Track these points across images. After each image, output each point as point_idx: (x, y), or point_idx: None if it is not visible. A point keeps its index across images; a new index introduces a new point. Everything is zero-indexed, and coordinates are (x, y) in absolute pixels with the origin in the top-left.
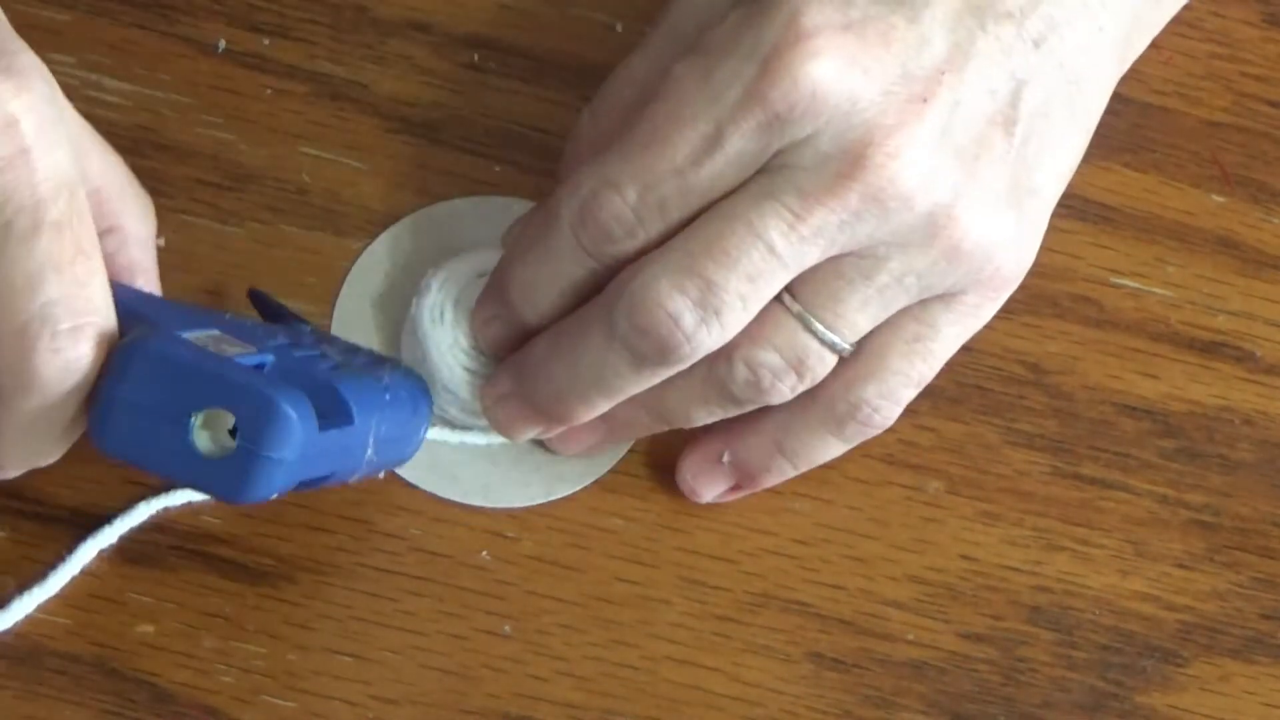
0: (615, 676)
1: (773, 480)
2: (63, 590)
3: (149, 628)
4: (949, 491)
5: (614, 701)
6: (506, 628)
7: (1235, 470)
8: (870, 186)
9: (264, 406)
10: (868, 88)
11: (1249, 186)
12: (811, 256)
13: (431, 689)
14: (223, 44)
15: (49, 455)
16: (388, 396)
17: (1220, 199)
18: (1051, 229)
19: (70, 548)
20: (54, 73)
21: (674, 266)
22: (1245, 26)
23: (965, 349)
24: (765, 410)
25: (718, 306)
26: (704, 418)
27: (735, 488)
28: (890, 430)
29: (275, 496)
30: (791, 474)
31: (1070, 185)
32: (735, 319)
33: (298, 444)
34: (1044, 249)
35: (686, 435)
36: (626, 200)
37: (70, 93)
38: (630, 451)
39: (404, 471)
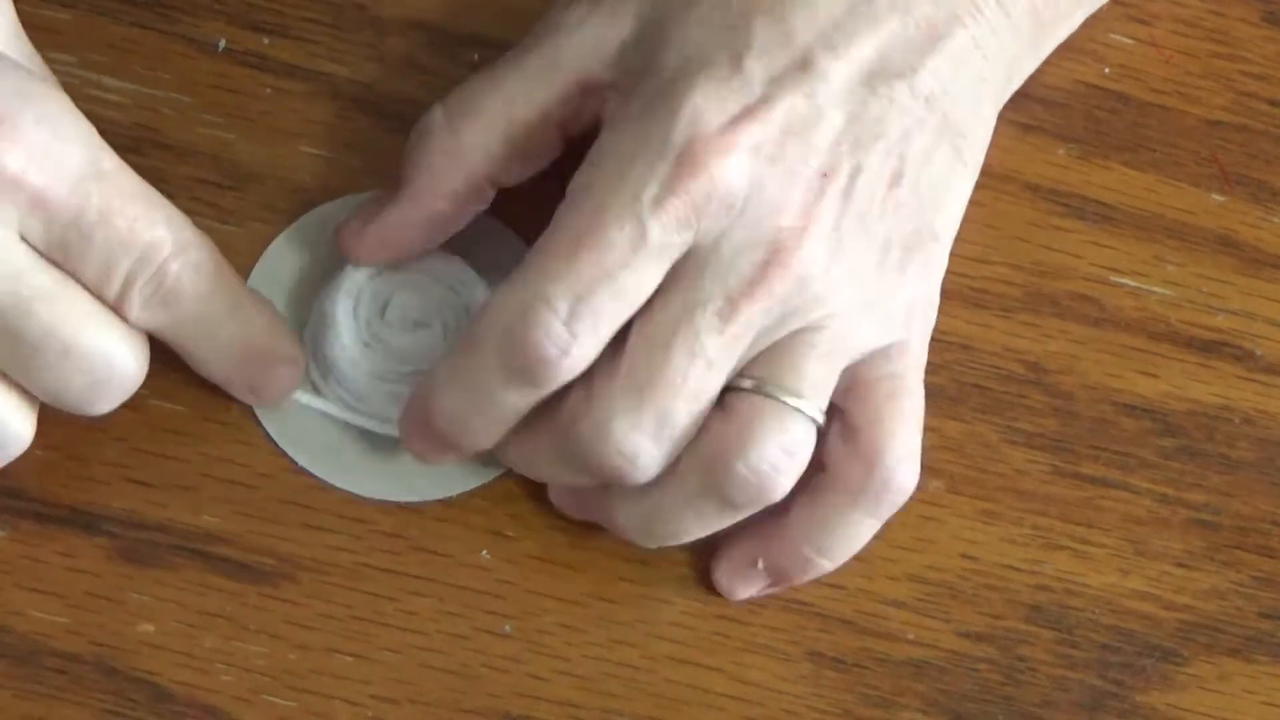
0: (615, 676)
1: (809, 579)
2: (63, 589)
3: (149, 627)
4: (949, 491)
5: (614, 701)
6: (506, 627)
7: (1235, 470)
8: (790, 269)
9: None
10: (773, 173)
11: (1249, 186)
12: (742, 348)
13: (431, 689)
14: (223, 43)
15: None
16: None
17: (1220, 198)
18: (1051, 228)
19: (70, 547)
20: (55, 72)
21: (626, 406)
22: (1245, 26)
23: (965, 348)
24: (793, 514)
25: (671, 430)
26: (699, 531)
27: (771, 584)
28: None
29: None
30: (829, 570)
31: (1070, 184)
32: (686, 433)
33: None
34: (1043, 248)
35: (718, 535)
36: (558, 315)
37: (70, 92)
38: None
39: (312, 466)
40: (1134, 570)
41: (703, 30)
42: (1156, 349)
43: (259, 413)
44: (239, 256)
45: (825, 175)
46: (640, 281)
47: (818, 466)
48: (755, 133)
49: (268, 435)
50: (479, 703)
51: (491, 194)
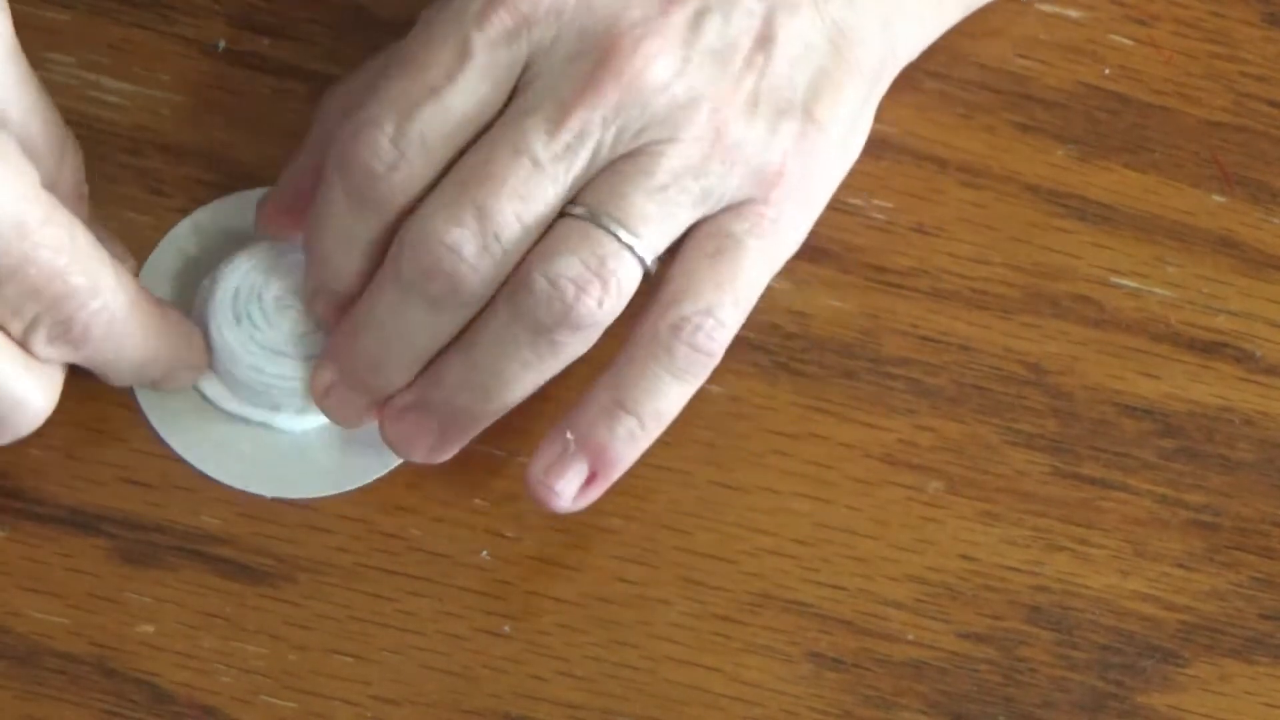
0: (615, 676)
1: (625, 450)
2: (63, 589)
3: (149, 628)
4: (949, 491)
5: (614, 701)
6: (506, 628)
7: (1235, 470)
8: (623, 76)
9: None
10: None
11: (1249, 186)
12: (580, 160)
13: (431, 689)
14: (223, 44)
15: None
16: None
17: (1220, 199)
18: (1051, 229)
19: (70, 548)
20: (54, 73)
21: (446, 200)
22: (1245, 26)
23: (965, 349)
24: (597, 376)
25: (496, 229)
26: (519, 373)
27: (591, 478)
28: (890, 430)
29: None
30: (642, 437)
31: (1070, 185)
32: (515, 239)
33: None
34: (1044, 249)
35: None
36: (384, 133)
37: (70, 93)
38: None
39: (201, 464)
40: (1134, 571)
41: None
42: (1157, 350)
43: (141, 400)
44: None
45: (669, 3)
46: (470, 98)
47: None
48: None
49: (147, 422)
50: (479, 703)
51: None
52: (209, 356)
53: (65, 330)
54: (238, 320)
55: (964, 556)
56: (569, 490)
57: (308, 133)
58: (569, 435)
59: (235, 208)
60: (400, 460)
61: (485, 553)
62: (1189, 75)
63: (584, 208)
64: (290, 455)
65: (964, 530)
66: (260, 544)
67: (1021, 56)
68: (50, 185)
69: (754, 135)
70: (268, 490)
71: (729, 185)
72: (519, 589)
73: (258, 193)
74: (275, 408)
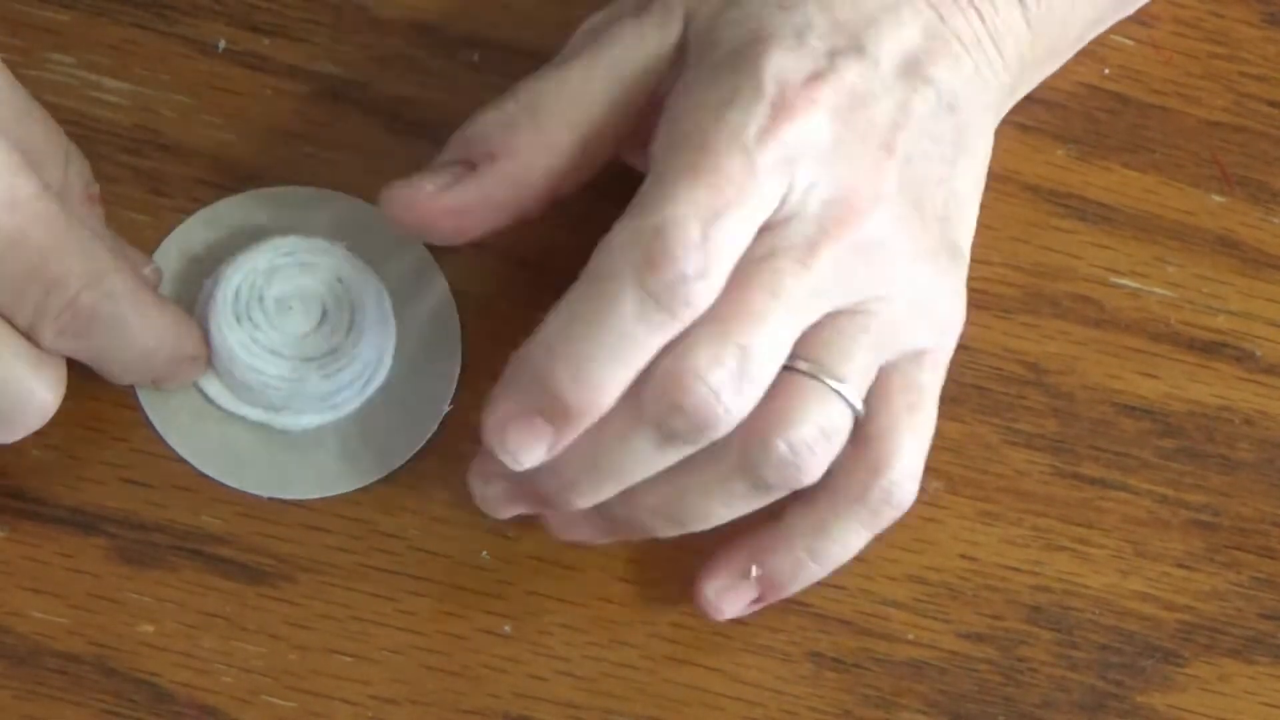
0: (615, 676)
1: (798, 588)
2: (63, 589)
3: (149, 627)
4: (949, 491)
5: (614, 701)
6: (506, 628)
7: (1235, 470)
8: (861, 233)
9: None
10: (847, 134)
11: (1249, 186)
12: (816, 310)
13: (431, 689)
14: (223, 44)
15: None
16: None
17: (1220, 199)
18: (1051, 229)
19: (70, 548)
20: (54, 73)
21: (708, 337)
22: (1245, 26)
23: (964, 349)
24: (789, 518)
25: (755, 374)
26: (721, 514)
27: (758, 599)
28: None
29: None
30: (818, 578)
31: (1070, 185)
32: (766, 383)
33: None
34: (1044, 249)
35: (703, 545)
36: (692, 236)
37: (70, 93)
38: None
39: (196, 460)
40: (1134, 571)
41: (758, 9)
42: (1157, 350)
43: (142, 400)
44: None
45: (886, 149)
46: (758, 207)
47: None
48: (830, 94)
49: (149, 423)
50: (479, 703)
51: (545, 206)
52: (209, 353)
53: (72, 317)
54: (239, 320)
55: (964, 556)
56: (734, 610)
57: (466, 144)
58: (755, 570)
59: (238, 208)
60: (400, 462)
61: (485, 553)
62: (1189, 75)
63: (809, 364)
64: (290, 455)
65: (964, 530)
66: (260, 544)
67: None
68: (59, 190)
69: (943, 289)
70: (267, 490)
71: (920, 338)
72: (519, 589)
73: (262, 192)
74: (274, 408)
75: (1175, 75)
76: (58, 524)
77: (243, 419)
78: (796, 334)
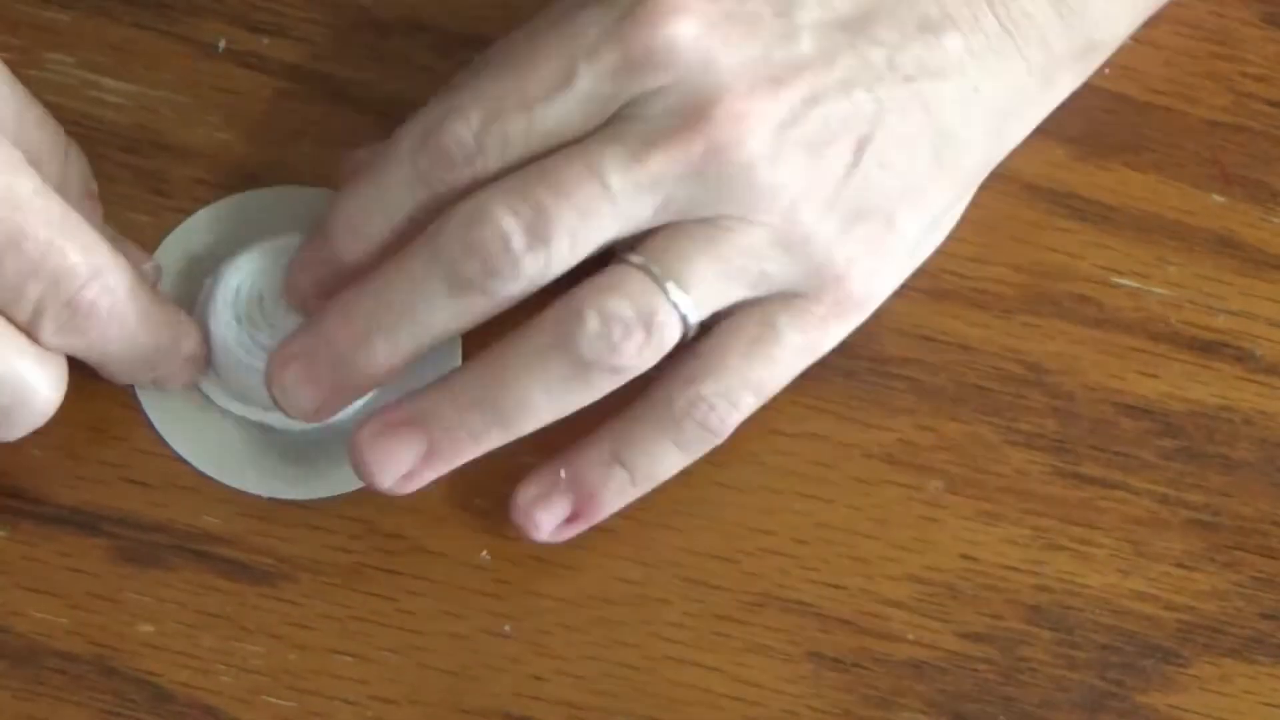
0: (615, 676)
1: (611, 500)
2: (63, 589)
3: (149, 627)
4: (949, 491)
5: (614, 701)
6: (506, 627)
7: (1235, 470)
8: (712, 142)
9: None
10: (725, 55)
11: (1249, 186)
12: (648, 206)
13: (431, 689)
14: (223, 44)
15: None
16: None
17: (1220, 199)
18: (1051, 229)
19: (70, 548)
20: (54, 73)
21: (509, 189)
22: (1245, 26)
23: (965, 349)
24: (603, 425)
25: (547, 235)
26: (541, 402)
27: (574, 517)
28: (890, 430)
29: None
30: (631, 492)
31: (1070, 185)
32: (561, 252)
33: None
34: (1044, 248)
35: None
36: (470, 126)
37: (70, 93)
38: None
39: (196, 460)
40: (1134, 571)
41: None
42: (1157, 349)
43: (142, 400)
44: None
45: (780, 84)
46: (560, 119)
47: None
48: (714, 13)
49: (150, 424)
50: (479, 703)
51: None
52: (209, 353)
53: (72, 313)
54: (239, 320)
55: (964, 556)
56: (549, 524)
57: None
58: (562, 473)
59: (240, 207)
60: None
61: (485, 553)
62: (1189, 75)
63: (642, 257)
64: (289, 456)
65: (964, 530)
66: (260, 544)
67: None
68: (58, 187)
69: (825, 233)
70: (266, 490)
71: (788, 275)
72: (519, 589)
73: (263, 193)
74: (274, 408)
75: (1175, 75)
76: (58, 524)
77: (242, 419)
78: (620, 223)
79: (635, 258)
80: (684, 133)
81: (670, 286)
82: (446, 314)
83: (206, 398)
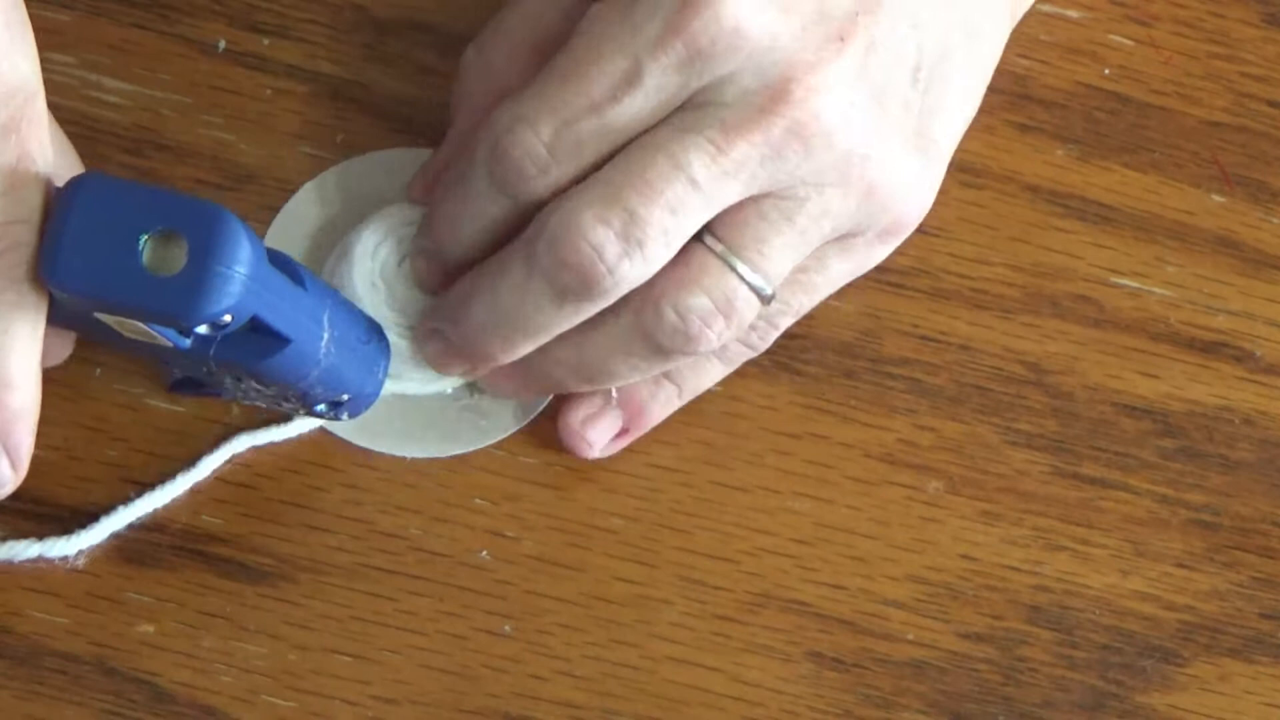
0: (615, 676)
1: (661, 413)
2: (63, 589)
3: (149, 627)
4: (949, 491)
5: (614, 701)
6: (506, 627)
7: (1235, 470)
8: (793, 120)
9: (213, 218)
10: (786, 24)
11: (1249, 186)
12: (733, 192)
13: (431, 689)
14: (223, 44)
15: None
16: (339, 296)
17: (1220, 199)
18: (1051, 229)
19: (70, 547)
20: (54, 73)
21: (596, 198)
22: (1245, 26)
23: (965, 349)
24: None
25: (640, 238)
26: (625, 373)
27: (622, 432)
28: (890, 430)
29: (229, 321)
30: (677, 403)
31: (1070, 185)
32: (658, 252)
33: (246, 258)
34: (1044, 249)
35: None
36: (540, 137)
37: (70, 93)
38: (630, 451)
39: (341, 432)
40: (1134, 571)
41: None
42: (1156, 350)
43: None
44: None
45: (842, 39)
46: (631, 117)
47: None
48: None
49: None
50: (479, 703)
51: None
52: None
53: None
54: (372, 286)
55: (964, 556)
56: (601, 440)
57: (453, 95)
58: (614, 392)
59: (376, 166)
60: (529, 417)
61: (485, 553)
62: (1189, 75)
63: (722, 245)
64: (419, 419)
65: (964, 530)
66: (260, 544)
67: (1021, 56)
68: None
69: (891, 176)
70: (409, 451)
71: (850, 221)
72: (519, 589)
73: (400, 153)
74: (396, 376)
75: (1175, 75)
76: (56, 523)
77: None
78: (708, 212)
79: (714, 243)
80: (763, 116)
81: (745, 270)
82: (553, 319)
83: None
